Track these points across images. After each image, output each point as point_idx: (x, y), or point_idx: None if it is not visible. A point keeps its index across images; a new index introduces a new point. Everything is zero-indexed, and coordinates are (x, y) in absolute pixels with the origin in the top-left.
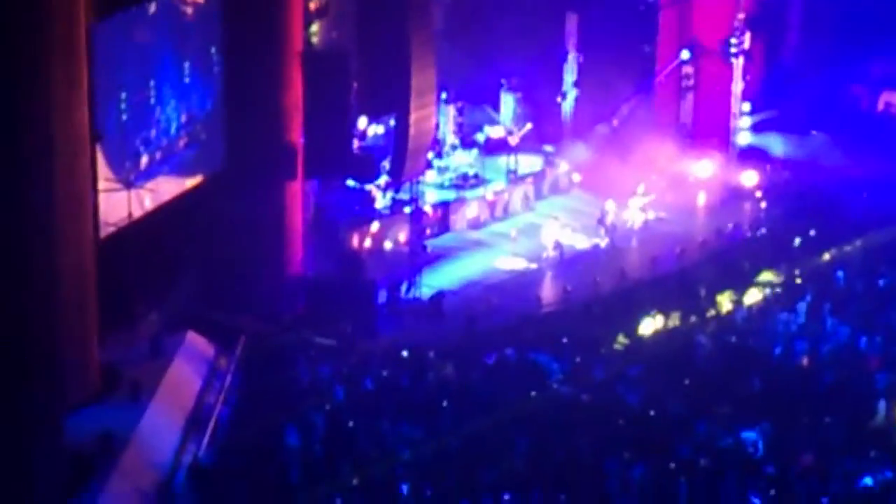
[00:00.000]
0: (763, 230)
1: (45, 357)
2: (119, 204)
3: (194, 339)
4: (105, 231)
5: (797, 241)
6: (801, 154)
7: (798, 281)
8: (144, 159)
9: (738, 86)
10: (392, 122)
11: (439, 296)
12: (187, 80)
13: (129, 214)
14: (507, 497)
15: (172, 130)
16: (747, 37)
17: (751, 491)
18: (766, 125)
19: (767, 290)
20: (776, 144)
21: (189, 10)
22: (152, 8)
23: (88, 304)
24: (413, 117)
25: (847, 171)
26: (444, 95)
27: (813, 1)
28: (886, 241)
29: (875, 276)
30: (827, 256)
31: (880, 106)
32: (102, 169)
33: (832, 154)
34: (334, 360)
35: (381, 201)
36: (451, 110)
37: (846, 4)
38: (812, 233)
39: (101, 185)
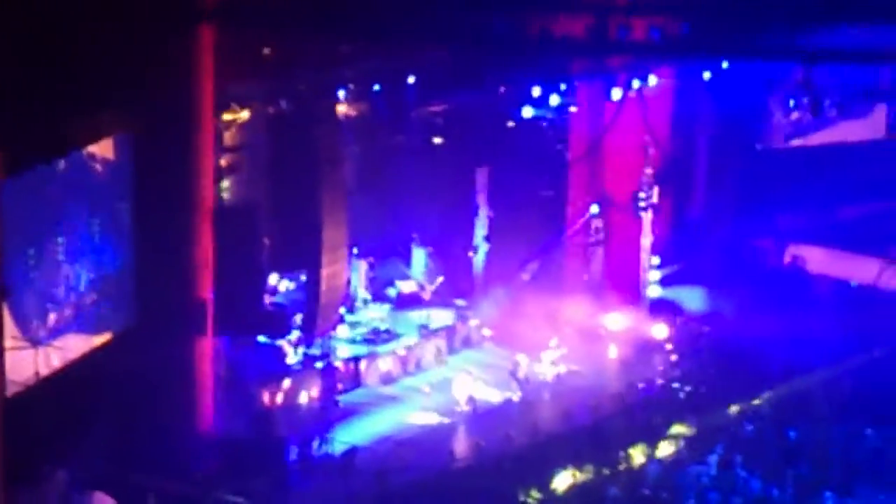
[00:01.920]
0: (674, 383)
1: None
2: (26, 362)
3: (103, 501)
4: (11, 390)
5: (707, 393)
6: (710, 307)
7: (709, 434)
8: (52, 317)
9: (647, 239)
10: (303, 278)
11: (351, 451)
12: (97, 236)
13: (37, 373)
14: None
15: (81, 287)
16: (655, 191)
17: None
18: (675, 278)
19: (679, 443)
20: (685, 298)
21: (99, 166)
22: (62, 164)
23: None
24: (325, 273)
25: (755, 324)
26: (355, 250)
27: (718, 155)
28: (795, 393)
29: (785, 428)
30: (737, 409)
31: (787, 259)
32: (9, 327)
33: (739, 307)
34: None
35: (293, 357)
36: (362, 265)
37: (751, 159)
38: (722, 385)
39: (7, 343)
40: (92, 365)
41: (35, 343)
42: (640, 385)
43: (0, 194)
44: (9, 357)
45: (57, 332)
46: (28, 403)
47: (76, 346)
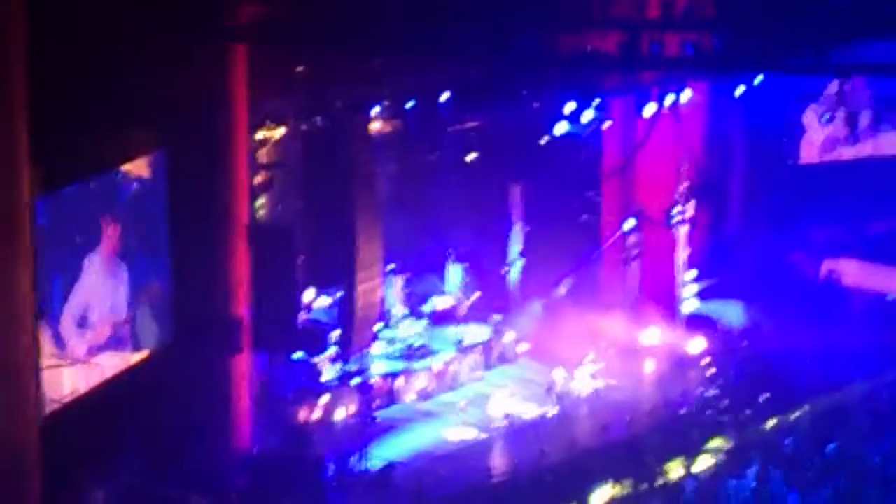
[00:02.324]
0: (711, 397)
1: None
2: (63, 379)
3: None
4: (49, 407)
5: (744, 407)
6: (747, 321)
7: (746, 448)
8: (89, 335)
9: (682, 254)
10: (339, 294)
11: (388, 468)
12: (133, 255)
13: (74, 390)
14: None
15: (118, 305)
16: (691, 205)
17: None
18: (712, 293)
19: (717, 458)
20: (722, 312)
21: (134, 184)
22: (96, 183)
23: (31, 481)
24: (360, 289)
25: (791, 338)
26: (391, 267)
27: (753, 170)
28: (832, 408)
29: (822, 442)
30: (774, 423)
31: (823, 273)
32: (46, 345)
33: (776, 321)
34: None
35: (329, 374)
36: (398, 281)
37: (786, 174)
38: (759, 399)
39: (45, 361)
40: (128, 383)
41: (72, 361)
42: (677, 400)
43: (36, 212)
44: (46, 375)
45: (94, 350)
46: (65, 421)
47: (113, 363)
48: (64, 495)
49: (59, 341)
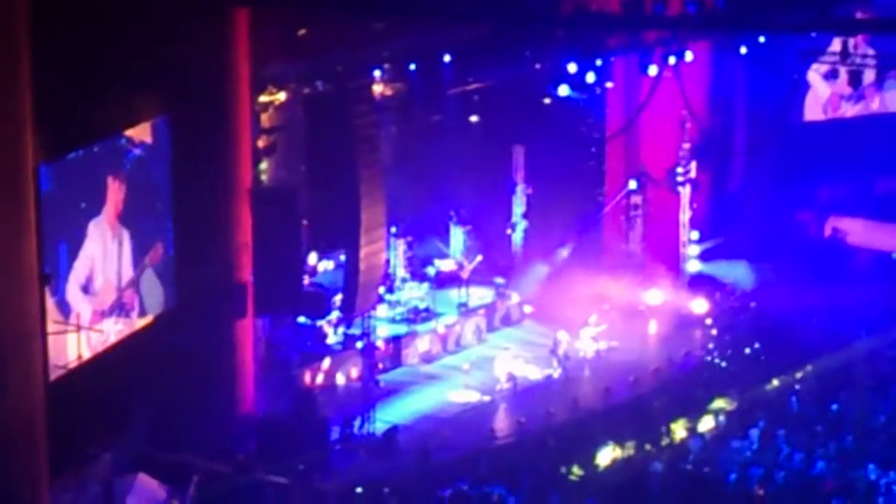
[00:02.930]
0: (715, 357)
1: None
2: (69, 345)
3: (146, 481)
4: (55, 373)
5: (748, 367)
6: (750, 281)
7: (751, 407)
8: (94, 300)
9: (685, 214)
10: (342, 258)
11: (393, 430)
12: (137, 220)
13: (79, 356)
14: None
15: (122, 270)
16: (693, 165)
17: None
18: (715, 252)
19: (721, 418)
20: (725, 272)
21: (137, 150)
22: (100, 148)
23: (38, 447)
24: (363, 252)
25: (795, 296)
26: (393, 230)
27: (757, 128)
28: (837, 367)
29: (828, 402)
30: (779, 383)
31: (827, 231)
32: (51, 311)
33: (780, 280)
34: (288, 500)
35: (333, 337)
36: (401, 244)
37: (790, 132)
38: (763, 359)
39: (51, 327)
40: (134, 348)
41: (77, 327)
42: (681, 360)
43: (40, 178)
44: (52, 341)
45: (99, 315)
46: (71, 387)
47: (118, 329)
48: (72, 459)
49: (64, 307)
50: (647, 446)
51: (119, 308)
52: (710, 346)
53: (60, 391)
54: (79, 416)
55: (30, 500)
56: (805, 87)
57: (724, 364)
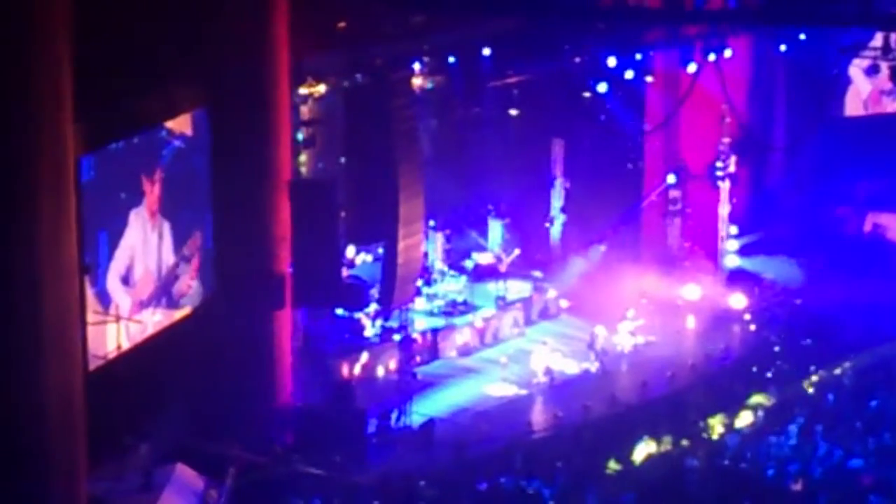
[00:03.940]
0: (753, 353)
1: (32, 492)
2: (108, 336)
3: (184, 471)
4: (94, 363)
5: (786, 363)
6: (789, 277)
7: (789, 403)
8: (133, 291)
9: (724, 209)
10: (380, 250)
11: (429, 423)
12: (177, 211)
13: (118, 346)
14: None
15: (162, 261)
16: (733, 160)
17: None
18: (754, 248)
19: (758, 413)
20: (764, 267)
21: (177, 142)
22: (140, 140)
23: (77, 437)
24: (401, 245)
25: (834, 292)
26: (432, 223)
27: (797, 123)
28: (876, 363)
29: (866, 398)
30: (817, 378)
31: (867, 227)
32: (90, 301)
33: (819, 276)
34: (325, 491)
35: (371, 329)
36: (439, 237)
37: (830, 127)
38: (801, 355)
39: (90, 317)
40: (172, 338)
41: (117, 317)
42: (719, 355)
43: (81, 169)
44: (91, 331)
45: (138, 306)
46: (110, 377)
47: (157, 319)
48: (110, 449)
49: (104, 297)
50: (684, 441)
51: (158, 299)
52: (749, 341)
53: (99, 381)
54: (117, 405)
55: (68, 490)
56: (846, 82)
57: (762, 360)
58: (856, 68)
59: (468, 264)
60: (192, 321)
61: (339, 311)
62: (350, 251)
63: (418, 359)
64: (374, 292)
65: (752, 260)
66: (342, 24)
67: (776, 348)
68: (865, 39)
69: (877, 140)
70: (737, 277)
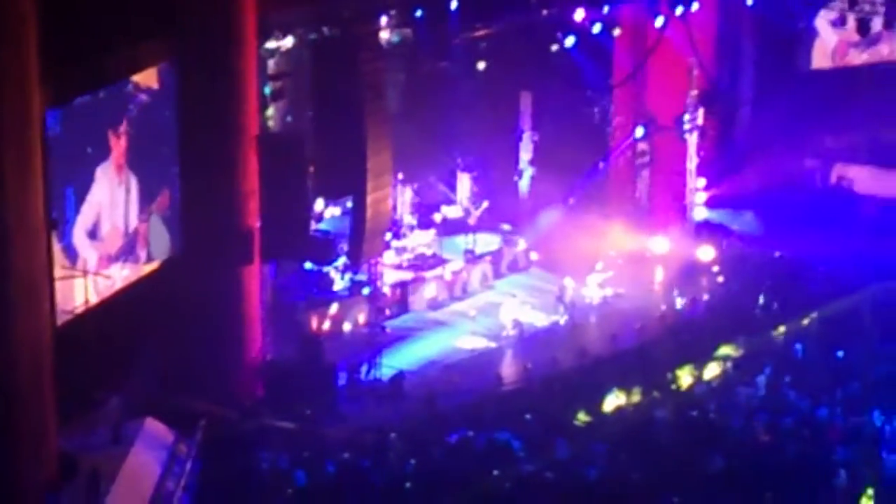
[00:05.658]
0: (721, 305)
1: (2, 447)
2: (76, 291)
3: (154, 425)
4: (62, 318)
5: (754, 314)
6: (756, 228)
7: (756, 354)
8: (100, 246)
9: (692, 162)
10: (349, 204)
11: (399, 376)
12: (143, 165)
13: (86, 301)
14: None
15: (129, 216)
16: (700, 113)
17: None
18: (721, 200)
19: (726, 364)
20: (731, 219)
21: (143, 96)
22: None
23: (46, 392)
24: (370, 199)
25: (801, 244)
26: (400, 176)
27: (764, 76)
28: (843, 314)
29: (833, 349)
30: (785, 330)
31: (833, 179)
32: (58, 256)
33: (786, 228)
34: (295, 444)
35: (340, 283)
36: (407, 191)
37: (797, 80)
38: (769, 306)
39: (58, 272)
40: (141, 293)
41: (84, 272)
42: (687, 307)
43: (46, 123)
44: (59, 286)
45: (106, 261)
46: (79, 332)
47: (124, 274)
48: (80, 403)
49: (71, 252)
50: (654, 393)
51: (126, 254)
52: (717, 293)
53: (68, 336)
54: (86, 360)
55: (38, 445)
56: (812, 34)
57: (729, 311)
58: (822, 20)
59: (437, 217)
60: (161, 276)
61: (308, 265)
62: (319, 205)
63: (388, 312)
64: (343, 246)
65: (720, 212)
66: None
67: (742, 300)
68: None
69: (843, 93)
70: (705, 229)
